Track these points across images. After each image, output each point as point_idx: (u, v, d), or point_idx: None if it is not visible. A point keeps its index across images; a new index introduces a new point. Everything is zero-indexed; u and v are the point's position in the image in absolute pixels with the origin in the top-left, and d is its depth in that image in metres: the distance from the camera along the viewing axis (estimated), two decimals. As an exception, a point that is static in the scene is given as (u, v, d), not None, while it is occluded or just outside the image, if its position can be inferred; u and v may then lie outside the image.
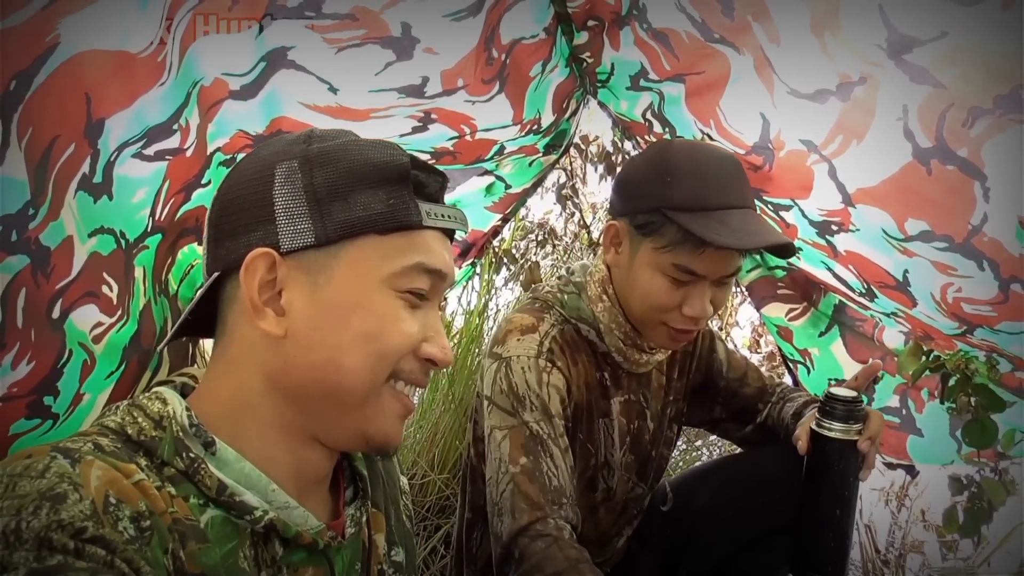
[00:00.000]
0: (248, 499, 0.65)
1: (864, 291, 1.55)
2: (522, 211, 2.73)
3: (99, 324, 0.92)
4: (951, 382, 1.42)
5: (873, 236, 1.34)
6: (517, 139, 1.61)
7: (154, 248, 1.04)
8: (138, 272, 1.01)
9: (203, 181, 1.11)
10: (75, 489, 0.55)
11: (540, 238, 3.02)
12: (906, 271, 1.36)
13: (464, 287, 2.31)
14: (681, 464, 2.45)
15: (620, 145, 2.63)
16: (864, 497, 1.24)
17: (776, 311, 1.97)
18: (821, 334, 1.94)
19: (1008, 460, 1.49)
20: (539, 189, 2.21)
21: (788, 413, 1.41)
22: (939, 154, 1.10)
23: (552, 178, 2.77)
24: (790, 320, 1.96)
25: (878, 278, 1.45)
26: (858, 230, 1.37)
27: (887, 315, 1.63)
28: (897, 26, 1.01)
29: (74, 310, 0.87)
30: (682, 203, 1.14)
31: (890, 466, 1.95)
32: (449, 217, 0.73)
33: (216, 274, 0.70)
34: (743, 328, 3.26)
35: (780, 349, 2.07)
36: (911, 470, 1.96)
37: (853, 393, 1.22)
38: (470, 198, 1.86)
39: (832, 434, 1.19)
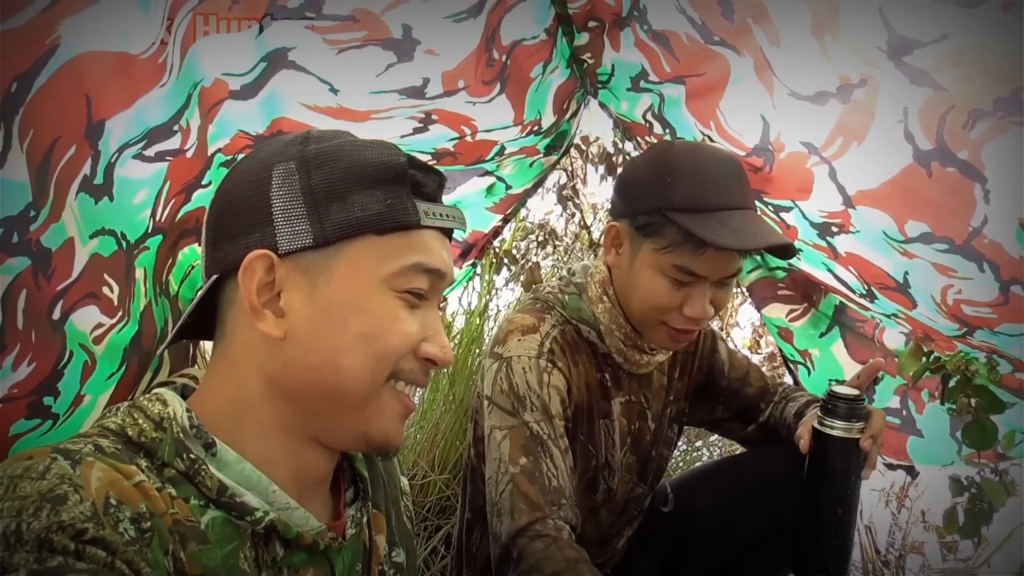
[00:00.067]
0: (249, 500, 0.65)
1: (864, 292, 1.55)
2: (523, 212, 2.73)
3: (100, 325, 0.92)
4: (951, 383, 1.42)
5: (873, 238, 1.34)
6: (518, 140, 1.61)
7: (155, 249, 1.04)
8: (139, 273, 1.01)
9: (204, 182, 1.11)
10: (76, 490, 0.55)
11: (541, 239, 3.03)
12: (906, 273, 1.36)
13: (464, 288, 2.31)
14: (681, 464, 2.45)
15: (621, 146, 2.63)
16: (864, 498, 1.24)
17: (776, 312, 1.97)
18: (822, 335, 1.94)
19: (1008, 461, 1.49)
20: (540, 190, 2.21)
21: (790, 412, 1.41)
22: (939, 156, 1.10)
23: (553, 179, 2.77)
24: (790, 321, 1.96)
25: (878, 279, 1.45)
26: (858, 232, 1.37)
27: (887, 316, 1.63)
28: (897, 28, 1.01)
29: (75, 311, 0.87)
30: (683, 204, 1.14)
31: (890, 467, 1.95)
32: (447, 216, 0.73)
33: (215, 276, 0.70)
34: (743, 329, 3.26)
35: (780, 350, 2.07)
36: (911, 471, 1.96)
37: (855, 391, 1.22)
38: (471, 199, 1.86)
39: (834, 432, 1.19)
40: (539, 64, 1.45)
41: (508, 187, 1.89)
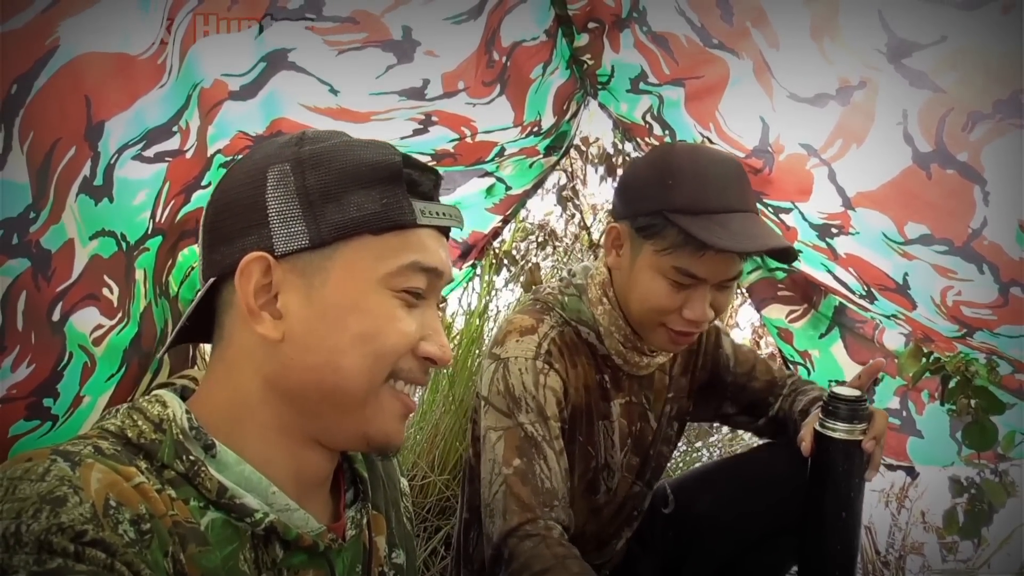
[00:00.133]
0: (248, 502, 0.65)
1: (864, 294, 1.55)
2: (522, 212, 2.73)
3: (99, 326, 0.92)
4: (951, 384, 1.42)
5: (873, 239, 1.34)
6: (518, 141, 1.61)
7: (155, 250, 1.04)
8: (139, 274, 1.01)
9: (203, 183, 1.11)
10: (75, 492, 0.55)
11: (540, 239, 3.03)
12: (906, 274, 1.36)
13: (464, 289, 2.31)
14: (681, 465, 2.45)
15: (620, 147, 2.63)
16: (864, 498, 1.22)
17: (776, 312, 1.98)
18: (821, 336, 1.94)
19: (1008, 462, 1.49)
20: (539, 191, 2.21)
21: (798, 408, 1.39)
22: (939, 158, 1.10)
23: (552, 179, 2.77)
24: (790, 322, 1.96)
25: (878, 281, 1.45)
26: (858, 233, 1.37)
27: (887, 317, 1.63)
28: (896, 30, 1.01)
29: (75, 313, 0.87)
30: (683, 206, 1.14)
31: (890, 467, 1.95)
32: (444, 215, 0.73)
33: (212, 279, 0.70)
34: (743, 329, 3.26)
35: (780, 350, 2.07)
36: (911, 471, 1.96)
37: (857, 392, 1.20)
38: (470, 200, 1.86)
39: (836, 435, 1.18)
40: (539, 65, 1.46)
41: (508, 188, 1.89)
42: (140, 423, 0.64)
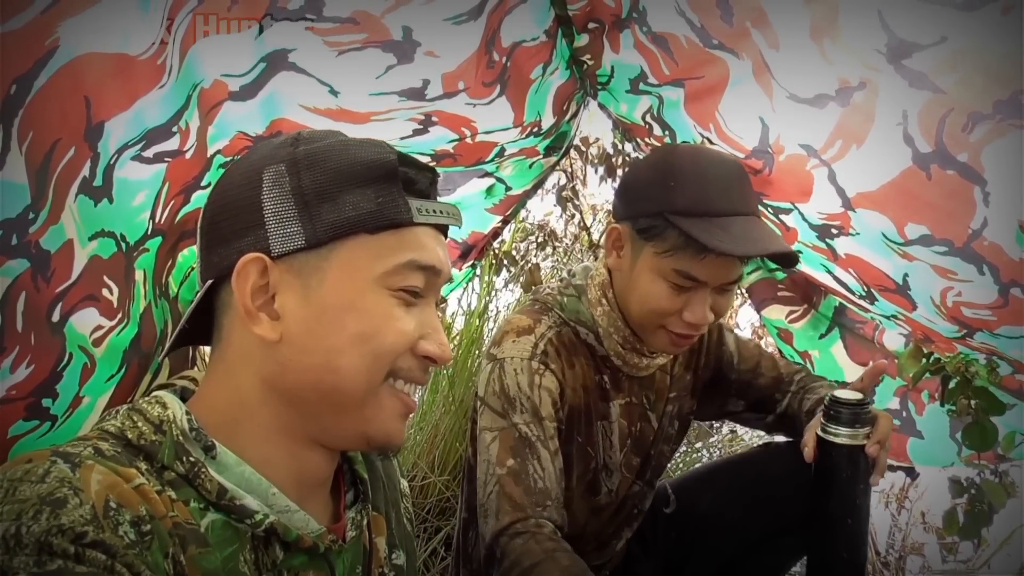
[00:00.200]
0: (248, 503, 0.65)
1: (864, 294, 1.55)
2: (522, 213, 2.73)
3: (99, 327, 0.92)
4: (951, 384, 1.41)
5: (873, 240, 1.34)
6: (518, 141, 1.61)
7: (154, 251, 1.04)
8: (138, 275, 1.01)
9: (203, 183, 1.11)
10: (75, 494, 0.55)
11: (540, 240, 3.03)
12: (906, 275, 1.36)
13: (464, 289, 2.31)
14: (681, 465, 2.45)
15: (620, 147, 2.63)
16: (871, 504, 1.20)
17: (776, 313, 1.97)
18: (821, 336, 1.94)
19: (1008, 462, 1.49)
20: (539, 191, 2.21)
21: (805, 408, 1.37)
22: (939, 159, 1.10)
23: (552, 180, 2.77)
24: (790, 322, 1.96)
25: (878, 281, 1.45)
26: (858, 234, 1.37)
27: (887, 318, 1.63)
28: (896, 31, 1.01)
29: (74, 313, 0.87)
30: (684, 208, 1.14)
31: (890, 468, 1.94)
32: (441, 213, 0.73)
33: (210, 281, 0.70)
34: (743, 330, 3.26)
35: (780, 351, 2.07)
36: (911, 472, 1.96)
37: (858, 395, 1.17)
38: (470, 200, 1.86)
39: (838, 439, 1.14)
40: (539, 66, 1.45)
41: (508, 188, 1.89)
42: (140, 424, 0.64)
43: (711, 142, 1.48)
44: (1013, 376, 1.44)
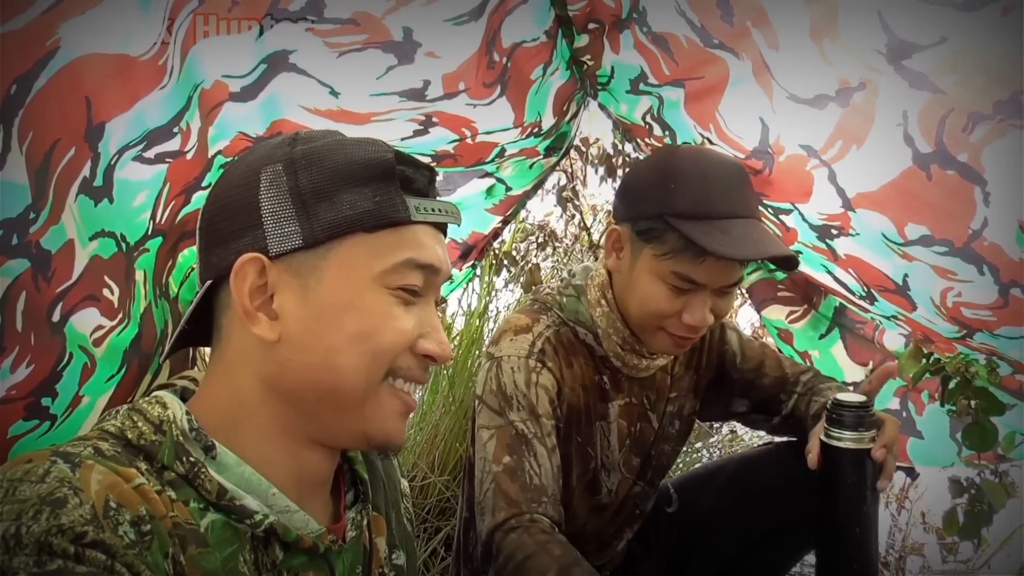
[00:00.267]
0: (248, 503, 0.65)
1: (864, 294, 1.55)
2: (522, 213, 2.73)
3: (100, 327, 0.92)
4: (951, 385, 1.41)
5: (873, 240, 1.34)
6: (518, 141, 1.61)
7: (155, 251, 1.04)
8: (139, 275, 1.01)
9: (204, 184, 1.11)
10: (75, 494, 0.55)
11: (540, 240, 3.03)
12: (906, 275, 1.36)
13: (464, 289, 2.31)
14: (681, 466, 2.45)
15: (620, 147, 2.63)
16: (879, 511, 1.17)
17: (776, 313, 1.97)
18: (821, 336, 1.94)
19: (1008, 463, 1.48)
20: (539, 191, 2.20)
21: (811, 412, 1.35)
22: (939, 159, 1.10)
23: (552, 180, 2.77)
24: (790, 322, 1.96)
25: (878, 282, 1.45)
26: (858, 234, 1.37)
27: (887, 318, 1.63)
28: (896, 31, 1.01)
29: (75, 313, 0.87)
30: (684, 210, 1.14)
31: (890, 469, 1.94)
32: (439, 211, 0.73)
33: (209, 282, 0.70)
34: (743, 330, 3.26)
35: (780, 351, 2.07)
36: (911, 472, 1.96)
37: (861, 398, 1.14)
38: (470, 200, 1.86)
39: (843, 444, 1.11)
40: (539, 66, 1.45)
41: (508, 189, 1.89)
42: (140, 424, 0.64)
43: (711, 142, 1.48)
44: (1013, 376, 1.44)
